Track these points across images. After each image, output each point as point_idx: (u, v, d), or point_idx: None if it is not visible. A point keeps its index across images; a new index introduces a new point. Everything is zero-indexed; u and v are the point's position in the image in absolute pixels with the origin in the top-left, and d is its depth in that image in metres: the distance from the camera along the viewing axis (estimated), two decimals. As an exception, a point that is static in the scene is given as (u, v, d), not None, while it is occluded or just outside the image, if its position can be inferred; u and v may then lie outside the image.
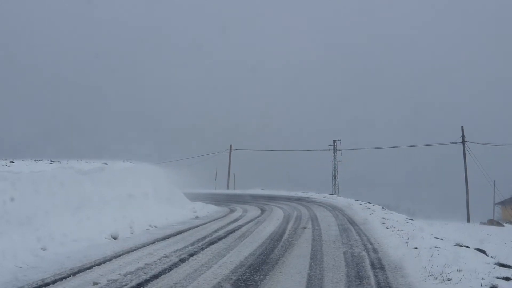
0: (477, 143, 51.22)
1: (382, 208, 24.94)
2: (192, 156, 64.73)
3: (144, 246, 11.17)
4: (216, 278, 8.05)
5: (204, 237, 12.77)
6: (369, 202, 27.97)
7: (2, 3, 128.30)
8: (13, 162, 14.58)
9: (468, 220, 44.77)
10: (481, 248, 12.16)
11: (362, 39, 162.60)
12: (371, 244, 12.19)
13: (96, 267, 8.79)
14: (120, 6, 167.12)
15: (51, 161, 17.64)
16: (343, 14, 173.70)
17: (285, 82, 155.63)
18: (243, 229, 14.71)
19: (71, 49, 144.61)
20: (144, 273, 8.30)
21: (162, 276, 8.13)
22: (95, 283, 7.54)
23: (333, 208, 24.34)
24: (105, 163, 17.67)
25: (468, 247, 11.77)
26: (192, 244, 11.54)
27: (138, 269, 8.63)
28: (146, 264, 9.02)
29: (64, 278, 7.88)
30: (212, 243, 11.82)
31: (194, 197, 25.65)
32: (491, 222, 42.96)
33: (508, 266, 9.49)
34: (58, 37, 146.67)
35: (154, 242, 11.79)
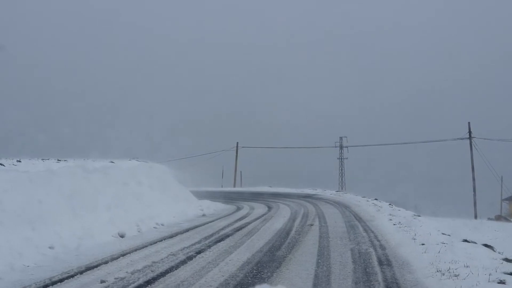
0: (484, 139, 51.05)
1: (389, 204, 24.85)
2: (198, 154, 64.80)
3: (151, 244, 11.19)
4: (223, 276, 8.06)
5: (211, 235, 12.79)
6: (376, 199, 27.88)
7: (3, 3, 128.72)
8: (19, 161, 14.63)
9: (476, 216, 44.55)
10: (488, 243, 12.11)
11: (367, 31, 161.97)
12: (378, 240, 12.18)
13: (104, 265, 8.82)
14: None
15: (58, 160, 17.70)
16: (346, 5, 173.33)
17: (290, 79, 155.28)
18: (250, 227, 14.72)
19: (69, 45, 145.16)
20: (152, 271, 8.32)
21: (169, 274, 8.15)
22: (102, 281, 7.56)
23: (340, 205, 24.33)
24: (112, 162, 17.75)
25: (475, 243, 11.71)
26: (199, 242, 11.56)
27: (145, 267, 8.66)
28: (153, 262, 9.05)
29: (72, 276, 7.91)
30: (219, 240, 11.84)
31: (201, 195, 25.65)
32: (499, 218, 42.92)
33: (516, 262, 9.44)
34: (55, 33, 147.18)
35: (161, 240, 11.82)
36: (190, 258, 9.55)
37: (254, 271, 8.42)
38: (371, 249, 10.85)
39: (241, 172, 63.98)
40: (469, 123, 50.72)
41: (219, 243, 11.41)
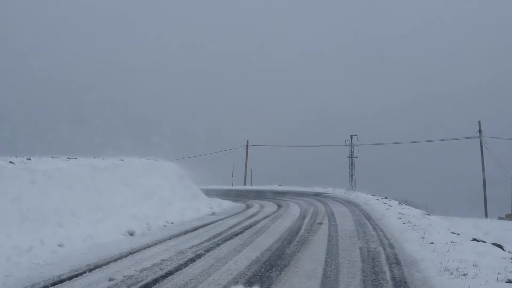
0: (494, 138, 50.82)
1: (399, 203, 24.83)
2: (208, 153, 64.84)
3: (160, 242, 11.23)
4: (231, 274, 8.07)
5: (220, 233, 12.81)
6: (385, 197, 27.84)
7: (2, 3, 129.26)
8: (30, 159, 14.67)
9: (486, 215, 44.38)
10: (497, 243, 12.06)
11: (378, 28, 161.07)
12: (387, 239, 12.15)
13: (112, 263, 8.86)
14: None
15: (68, 158, 17.74)
16: (357, 5, 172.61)
17: (299, 76, 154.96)
18: (259, 225, 14.74)
19: (79, 44, 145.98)
20: (160, 269, 8.35)
21: (177, 272, 8.17)
22: (111, 279, 7.59)
23: (349, 204, 24.30)
24: (122, 160, 17.77)
25: (485, 242, 11.68)
26: (208, 240, 11.59)
27: (154, 265, 8.69)
28: (162, 260, 9.08)
29: (80, 274, 7.95)
30: (228, 239, 11.86)
31: (211, 193, 25.69)
32: (509, 217, 42.56)
33: (525, 261, 9.39)
34: (62, 35, 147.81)
35: (170, 238, 11.86)
36: (199, 256, 9.57)
37: (263, 270, 8.43)
38: (380, 248, 10.83)
39: (251, 170, 63.99)
40: (479, 121, 50.56)
41: (228, 241, 11.44)
